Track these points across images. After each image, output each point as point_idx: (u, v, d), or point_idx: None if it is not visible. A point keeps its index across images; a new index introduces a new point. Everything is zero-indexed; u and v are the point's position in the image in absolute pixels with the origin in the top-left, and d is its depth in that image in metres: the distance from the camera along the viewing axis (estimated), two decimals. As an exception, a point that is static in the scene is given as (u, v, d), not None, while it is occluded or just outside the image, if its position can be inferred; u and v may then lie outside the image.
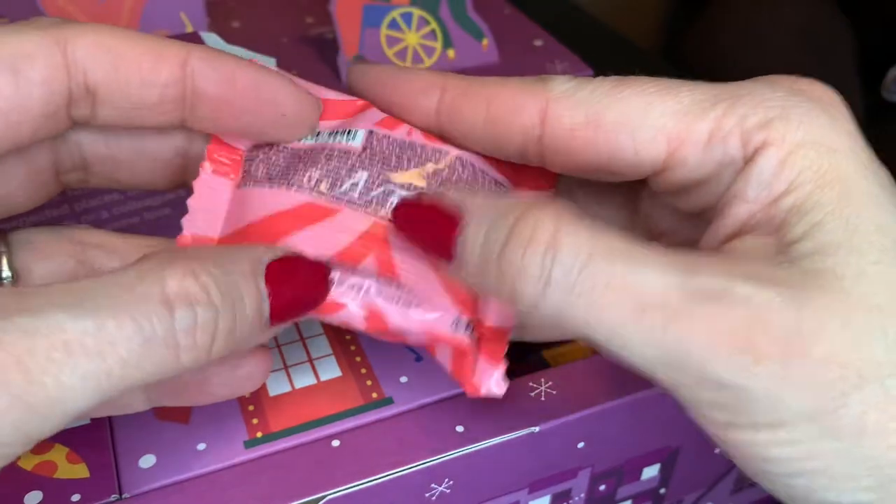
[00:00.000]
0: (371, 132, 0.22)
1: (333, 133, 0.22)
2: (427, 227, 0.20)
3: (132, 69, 0.20)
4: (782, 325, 0.17)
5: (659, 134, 0.19)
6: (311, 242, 0.21)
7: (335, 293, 0.21)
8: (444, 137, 0.22)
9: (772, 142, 0.18)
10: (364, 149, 0.22)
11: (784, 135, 0.18)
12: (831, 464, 0.17)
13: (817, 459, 0.17)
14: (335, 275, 0.21)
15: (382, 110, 0.23)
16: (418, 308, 0.22)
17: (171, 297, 0.17)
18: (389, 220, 0.21)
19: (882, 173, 0.19)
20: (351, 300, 0.21)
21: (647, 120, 0.19)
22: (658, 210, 0.24)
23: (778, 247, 0.18)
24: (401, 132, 0.22)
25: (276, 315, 0.20)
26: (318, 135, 0.22)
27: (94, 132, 0.22)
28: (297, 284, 0.20)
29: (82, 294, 0.16)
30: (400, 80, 0.22)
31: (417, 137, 0.22)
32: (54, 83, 0.19)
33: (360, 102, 0.23)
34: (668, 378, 0.18)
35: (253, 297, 0.19)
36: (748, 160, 0.19)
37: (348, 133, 0.22)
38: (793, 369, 0.17)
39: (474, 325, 0.22)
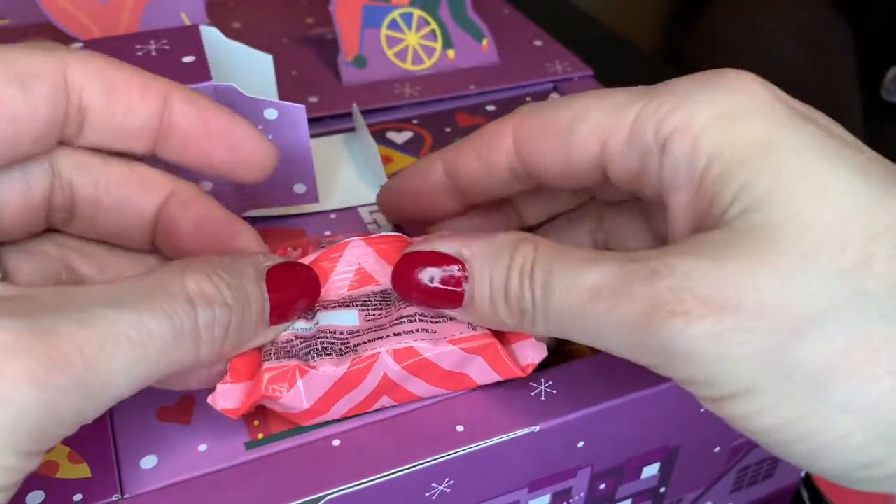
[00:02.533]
0: (365, 306, 0.24)
1: (328, 316, 0.23)
2: (432, 282, 0.22)
3: (122, 96, 0.22)
4: (706, 286, 0.17)
5: (593, 131, 0.21)
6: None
7: (369, 347, 0.22)
8: (464, 193, 0.25)
9: (680, 126, 0.19)
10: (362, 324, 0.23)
11: (691, 117, 0.19)
12: (819, 423, 0.17)
13: (803, 421, 0.17)
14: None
15: (410, 210, 0.27)
16: (436, 333, 0.23)
17: (193, 297, 0.19)
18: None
19: (807, 125, 0.19)
20: (381, 349, 0.22)
21: (587, 117, 0.21)
22: (661, 224, 0.25)
23: (715, 217, 0.19)
24: (381, 284, 0.24)
25: (276, 313, 0.22)
26: (317, 323, 0.23)
27: (85, 171, 0.23)
28: (292, 286, 0.22)
29: (120, 293, 0.18)
30: (406, 180, 0.26)
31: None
32: (56, 99, 0.21)
33: (341, 245, 0.24)
34: (647, 361, 0.19)
35: (257, 297, 0.21)
36: (662, 149, 0.20)
37: (344, 317, 0.23)
38: (725, 325, 0.17)
39: None
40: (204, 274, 0.20)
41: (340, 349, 0.22)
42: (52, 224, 0.23)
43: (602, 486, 0.27)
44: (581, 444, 0.24)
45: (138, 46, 0.30)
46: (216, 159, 0.23)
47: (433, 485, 0.23)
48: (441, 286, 0.22)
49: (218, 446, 0.23)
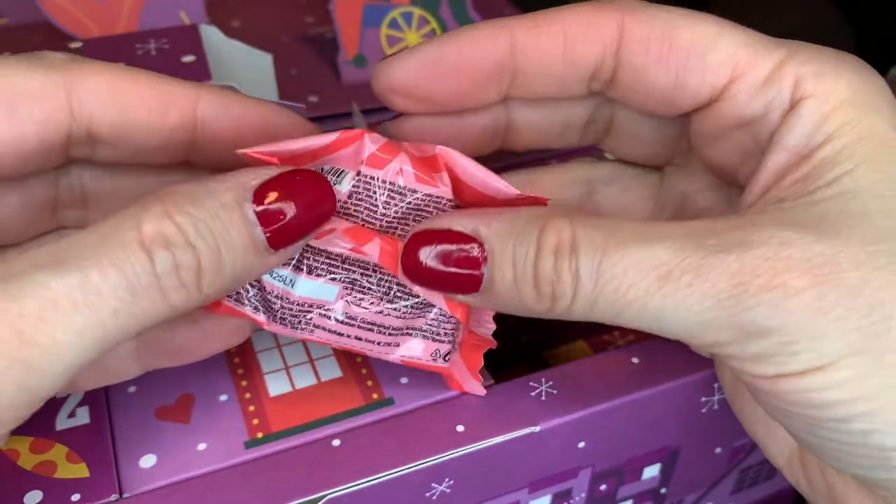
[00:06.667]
0: (359, 174, 0.21)
1: (326, 172, 0.21)
2: (445, 264, 0.20)
3: (139, 115, 0.20)
4: (807, 258, 0.17)
5: (727, 60, 0.20)
6: None
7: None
8: (515, 81, 0.21)
9: (819, 93, 0.19)
10: (349, 196, 0.21)
11: (832, 89, 0.19)
12: (884, 403, 0.17)
13: (869, 399, 0.17)
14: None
15: (440, 91, 0.21)
16: (397, 347, 0.22)
17: (147, 242, 0.17)
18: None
19: None
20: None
21: (717, 45, 0.20)
22: (694, 187, 0.24)
23: (803, 192, 0.19)
24: (390, 172, 0.21)
25: (276, 238, 0.19)
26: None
27: (98, 169, 0.22)
28: (294, 202, 0.19)
29: (63, 252, 0.16)
30: (460, 42, 0.21)
31: (407, 179, 0.21)
32: (52, 124, 0.19)
33: (354, 134, 0.21)
34: (711, 340, 0.18)
35: (237, 226, 0.18)
36: (794, 106, 0.20)
37: (337, 174, 0.21)
38: (827, 299, 0.17)
39: (457, 340, 0.23)
40: (162, 212, 0.17)
41: (300, 323, 0.22)
42: (66, 223, 0.22)
43: (603, 487, 0.26)
44: (582, 444, 0.24)
45: (138, 45, 0.30)
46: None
47: (433, 485, 0.23)
48: (456, 269, 0.19)
49: (217, 445, 0.22)
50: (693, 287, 0.17)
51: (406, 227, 0.21)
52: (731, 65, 0.20)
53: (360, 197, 0.21)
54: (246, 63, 0.33)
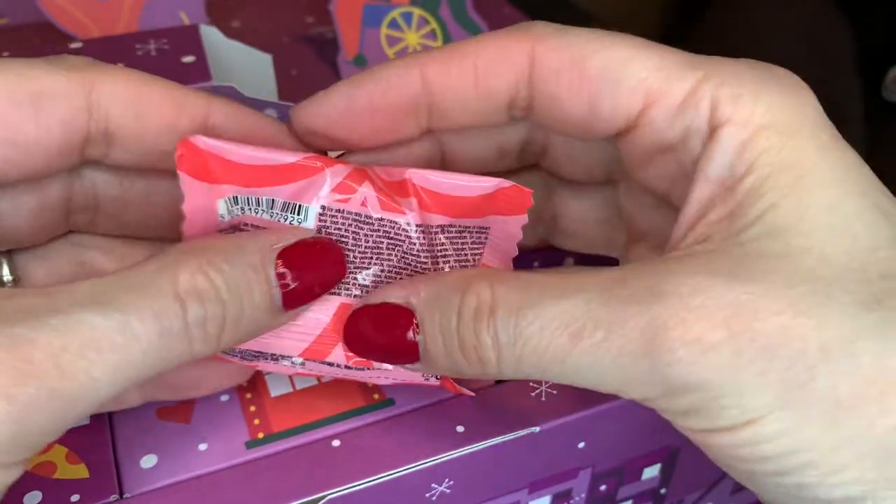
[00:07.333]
0: (323, 210, 0.21)
1: (285, 209, 0.21)
2: (382, 340, 0.20)
3: (153, 117, 0.20)
4: (721, 306, 0.16)
5: (639, 86, 0.19)
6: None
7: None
8: (433, 115, 0.21)
9: (736, 119, 0.18)
10: (318, 231, 0.21)
11: (750, 114, 0.18)
12: (814, 456, 0.16)
13: (800, 453, 0.17)
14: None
15: (357, 130, 0.21)
16: (388, 371, 0.22)
17: (183, 294, 0.18)
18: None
19: (845, 153, 0.19)
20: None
21: (628, 70, 0.19)
22: (637, 206, 0.24)
23: (730, 230, 0.18)
24: (355, 202, 0.21)
25: (290, 300, 0.20)
26: (272, 205, 0.21)
27: (109, 173, 0.22)
28: (310, 269, 0.20)
29: (106, 292, 0.17)
30: (370, 84, 0.21)
31: (373, 206, 0.21)
32: (74, 123, 0.20)
33: (315, 166, 0.21)
34: (639, 395, 0.18)
35: (262, 286, 0.19)
36: (712, 133, 0.19)
37: (298, 210, 0.21)
38: (745, 353, 0.16)
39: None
40: (197, 266, 0.18)
41: (283, 359, 0.22)
42: (75, 227, 0.23)
43: (603, 487, 0.26)
44: (581, 444, 0.24)
45: (138, 46, 0.30)
46: None
47: (433, 485, 0.23)
48: (392, 342, 0.20)
49: (218, 446, 0.22)
50: (608, 342, 0.17)
51: (381, 255, 0.21)
52: (644, 90, 0.19)
53: (328, 232, 0.21)
54: (246, 63, 0.33)
